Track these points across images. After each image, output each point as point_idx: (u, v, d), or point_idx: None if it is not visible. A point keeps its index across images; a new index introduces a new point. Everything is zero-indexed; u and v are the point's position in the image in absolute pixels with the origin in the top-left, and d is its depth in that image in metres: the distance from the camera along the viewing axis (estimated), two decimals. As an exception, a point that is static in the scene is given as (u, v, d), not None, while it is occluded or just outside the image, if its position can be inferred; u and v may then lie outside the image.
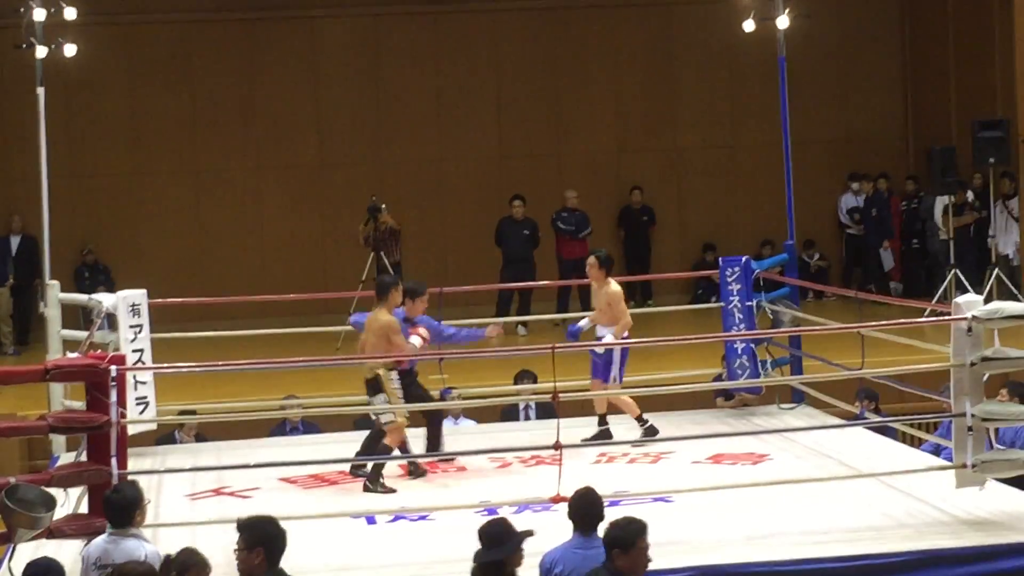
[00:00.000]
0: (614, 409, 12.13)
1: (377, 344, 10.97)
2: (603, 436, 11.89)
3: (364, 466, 10.97)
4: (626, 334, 11.94)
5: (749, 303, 12.99)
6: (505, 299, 19.02)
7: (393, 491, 10.68)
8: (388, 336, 10.91)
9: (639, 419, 11.87)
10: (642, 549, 7.11)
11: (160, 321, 12.76)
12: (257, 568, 6.89)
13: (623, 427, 12.20)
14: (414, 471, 11.18)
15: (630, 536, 7.10)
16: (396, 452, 11.00)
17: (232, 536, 7.65)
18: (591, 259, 12.12)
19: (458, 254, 20.60)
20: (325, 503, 10.51)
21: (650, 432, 11.68)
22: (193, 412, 13.12)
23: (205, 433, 13.14)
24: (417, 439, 11.48)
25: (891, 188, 21.10)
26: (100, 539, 7.77)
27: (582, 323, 12.13)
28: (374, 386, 10.92)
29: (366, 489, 10.70)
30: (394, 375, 10.88)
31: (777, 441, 11.68)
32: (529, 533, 7.24)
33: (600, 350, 11.80)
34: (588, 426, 11.87)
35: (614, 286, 11.99)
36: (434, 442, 11.44)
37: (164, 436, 12.99)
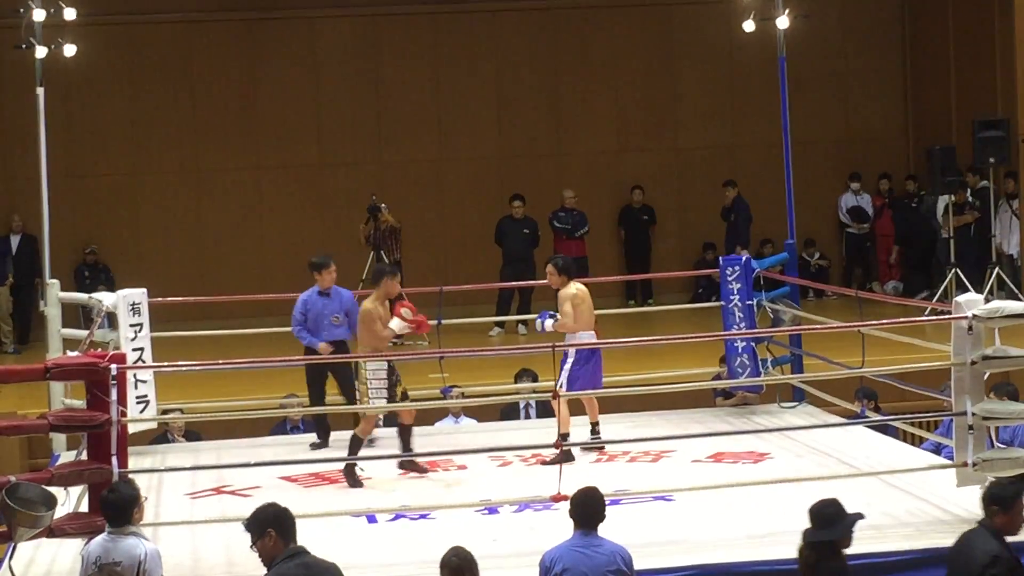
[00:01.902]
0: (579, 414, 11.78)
1: (361, 332, 11.04)
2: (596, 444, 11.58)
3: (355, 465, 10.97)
4: (581, 335, 11.47)
5: (749, 302, 12.98)
6: (505, 298, 19.02)
7: (360, 485, 10.75)
8: (368, 324, 10.90)
9: (564, 436, 10.78)
10: (1020, 507, 7.29)
11: (160, 320, 12.77)
12: (274, 549, 6.91)
13: (621, 427, 12.20)
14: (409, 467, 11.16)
15: (1011, 494, 7.30)
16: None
17: (233, 535, 7.68)
18: (548, 266, 11.85)
19: (458, 253, 20.61)
20: (326, 502, 10.49)
21: (565, 456, 10.57)
22: (180, 411, 13.10)
23: (205, 432, 13.12)
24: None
25: (892, 187, 21.14)
26: (100, 538, 7.75)
27: (548, 324, 11.65)
28: (356, 375, 10.99)
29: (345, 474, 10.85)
30: (373, 365, 10.75)
31: (778, 440, 11.68)
32: (860, 516, 7.33)
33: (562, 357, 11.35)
34: (587, 425, 11.83)
35: (570, 288, 11.60)
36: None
37: (159, 436, 12.99)
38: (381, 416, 13.32)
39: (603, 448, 11.58)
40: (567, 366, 11.44)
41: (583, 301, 11.63)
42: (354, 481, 10.87)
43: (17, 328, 19.13)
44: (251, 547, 7.01)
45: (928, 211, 19.73)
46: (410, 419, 11.22)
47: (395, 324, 10.97)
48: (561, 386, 11.27)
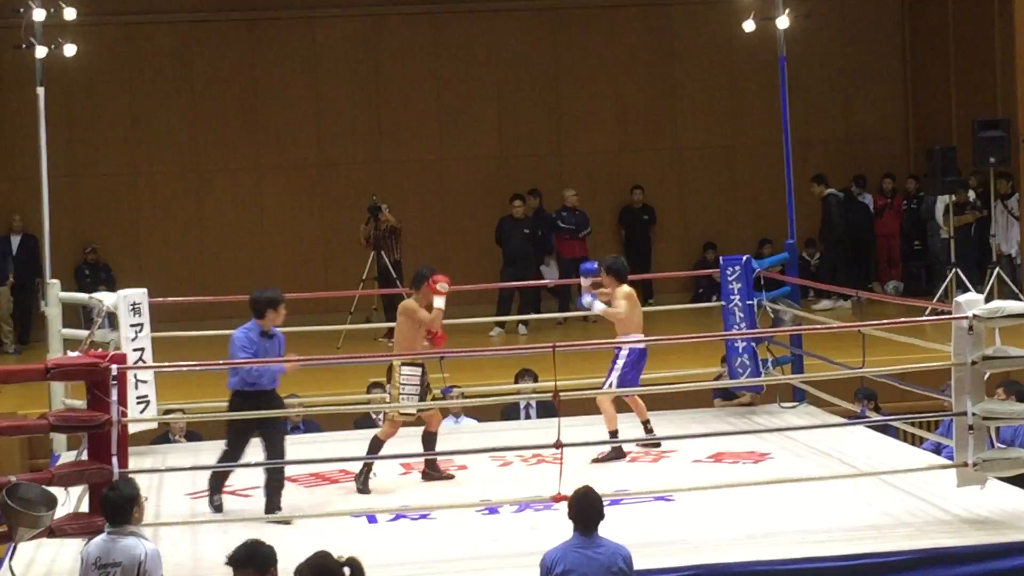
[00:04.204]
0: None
1: (401, 330, 10.85)
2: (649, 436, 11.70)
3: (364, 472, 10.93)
4: (631, 336, 11.56)
5: (750, 302, 12.98)
6: (505, 298, 19.02)
7: (368, 492, 10.64)
8: (409, 321, 10.76)
9: (613, 433, 11.48)
10: None
11: (161, 320, 12.76)
12: None
13: (621, 427, 12.18)
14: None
15: None
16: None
17: (232, 535, 7.67)
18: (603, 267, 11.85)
19: (459, 253, 20.60)
20: (326, 502, 10.50)
21: (616, 452, 11.33)
22: (182, 411, 13.10)
23: (205, 433, 13.11)
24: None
25: (896, 188, 21.17)
26: (99, 538, 7.74)
27: (597, 306, 11.63)
28: (388, 377, 10.89)
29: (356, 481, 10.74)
30: (408, 369, 10.68)
31: (778, 440, 11.68)
32: None
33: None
34: (588, 425, 11.78)
35: (624, 288, 11.72)
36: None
37: (160, 436, 12.98)
38: (381, 417, 13.35)
39: (659, 444, 11.59)
40: (619, 365, 11.50)
41: (636, 304, 11.67)
42: (364, 486, 10.73)
43: (18, 328, 19.13)
44: None
45: (927, 212, 19.73)
46: (436, 426, 11.15)
47: (438, 302, 10.83)
48: (611, 385, 11.44)
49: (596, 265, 11.91)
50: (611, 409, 11.45)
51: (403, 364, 10.66)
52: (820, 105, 21.19)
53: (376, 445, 10.85)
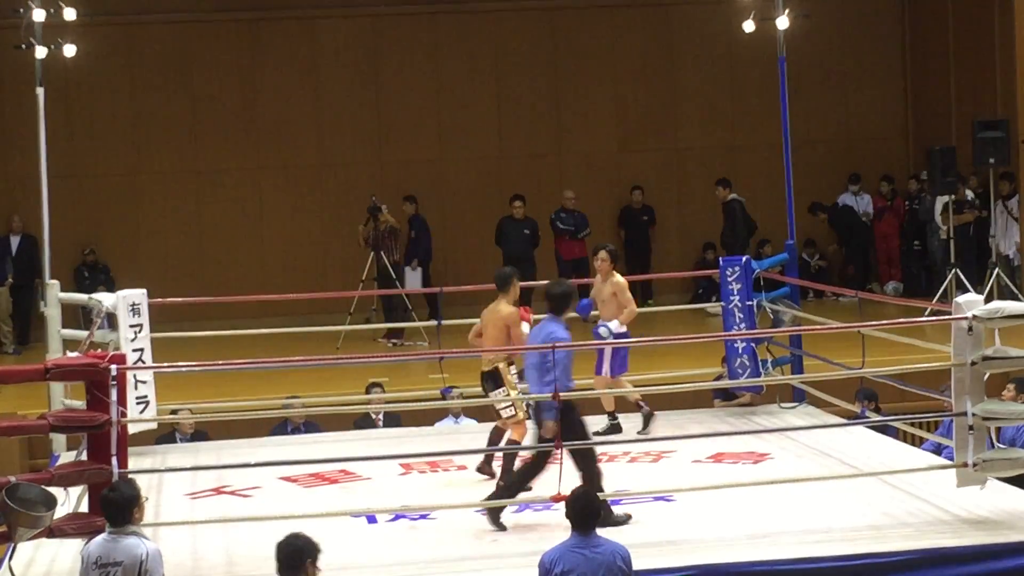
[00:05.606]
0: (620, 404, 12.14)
1: (497, 336, 10.71)
2: (613, 431, 11.92)
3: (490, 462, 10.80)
4: (624, 328, 11.90)
5: (749, 302, 12.98)
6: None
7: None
8: (508, 328, 10.70)
9: (637, 403, 11.95)
10: None
11: (160, 321, 12.76)
12: None
13: (629, 425, 12.19)
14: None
15: None
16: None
17: (232, 534, 7.67)
18: (603, 252, 12.14)
19: (458, 254, 20.61)
20: (326, 502, 10.49)
21: (647, 418, 11.83)
22: (189, 411, 13.10)
23: (206, 431, 13.12)
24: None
25: (895, 189, 21.16)
26: (100, 538, 7.74)
27: (613, 325, 11.86)
28: (493, 379, 10.58)
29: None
30: (513, 368, 10.62)
31: (778, 440, 11.68)
32: None
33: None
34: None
35: (619, 277, 12.06)
36: None
37: (164, 436, 12.99)
38: (381, 417, 13.38)
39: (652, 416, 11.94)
40: (609, 352, 11.80)
41: None
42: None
43: (17, 328, 19.13)
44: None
45: (926, 212, 19.74)
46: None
47: (526, 328, 10.76)
48: (606, 372, 11.85)
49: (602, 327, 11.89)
50: (627, 385, 11.94)
51: (509, 364, 10.61)
52: (820, 105, 21.20)
53: (511, 457, 10.46)
